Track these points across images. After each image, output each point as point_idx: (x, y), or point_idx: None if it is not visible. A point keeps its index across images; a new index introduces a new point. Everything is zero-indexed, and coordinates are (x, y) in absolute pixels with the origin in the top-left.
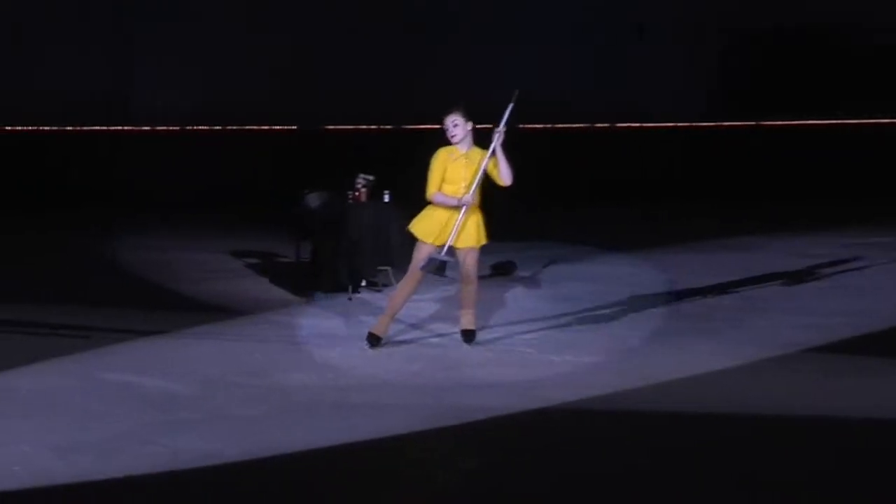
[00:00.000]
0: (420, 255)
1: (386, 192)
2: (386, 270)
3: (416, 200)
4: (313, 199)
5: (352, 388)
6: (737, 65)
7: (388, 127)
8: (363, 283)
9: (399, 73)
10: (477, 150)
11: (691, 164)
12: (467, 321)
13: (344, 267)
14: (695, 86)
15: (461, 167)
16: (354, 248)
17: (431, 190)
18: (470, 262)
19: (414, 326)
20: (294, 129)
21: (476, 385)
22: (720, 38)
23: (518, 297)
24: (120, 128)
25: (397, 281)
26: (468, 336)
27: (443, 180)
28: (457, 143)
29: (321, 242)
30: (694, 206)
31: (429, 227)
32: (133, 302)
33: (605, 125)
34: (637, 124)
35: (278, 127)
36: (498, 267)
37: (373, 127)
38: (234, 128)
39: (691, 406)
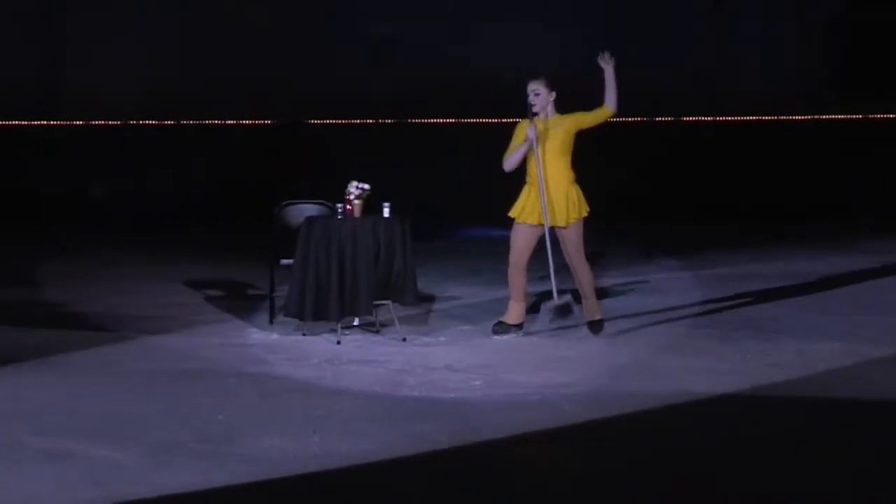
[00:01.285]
0: (516, 239)
1: (386, 204)
2: (386, 305)
3: (424, 215)
4: (293, 214)
5: (337, 454)
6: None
7: (389, 121)
8: (356, 322)
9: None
10: (559, 117)
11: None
12: (589, 310)
13: (332, 300)
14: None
15: (549, 140)
16: (345, 275)
17: (505, 161)
18: (568, 242)
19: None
20: (270, 125)
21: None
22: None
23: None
24: (47, 122)
25: (400, 319)
26: (594, 327)
27: (529, 154)
28: (536, 113)
29: (302, 269)
30: None
31: (519, 204)
32: (67, 346)
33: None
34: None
35: (249, 122)
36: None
37: (368, 121)
38: (191, 122)
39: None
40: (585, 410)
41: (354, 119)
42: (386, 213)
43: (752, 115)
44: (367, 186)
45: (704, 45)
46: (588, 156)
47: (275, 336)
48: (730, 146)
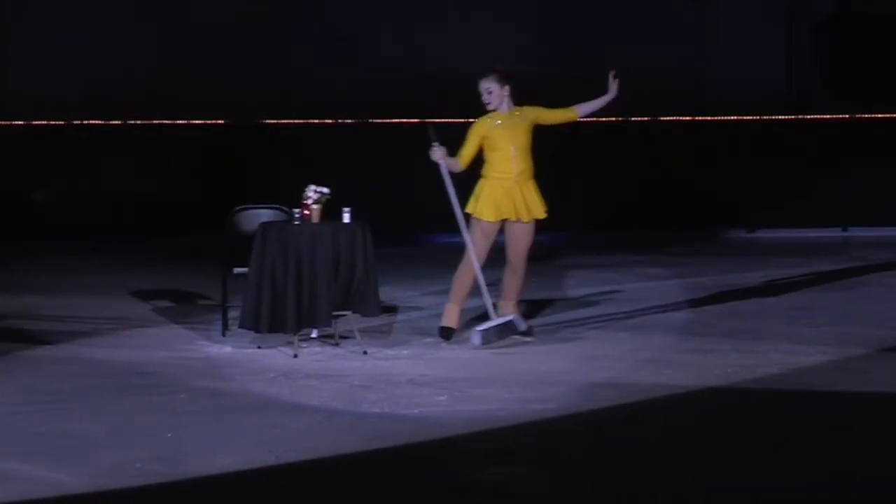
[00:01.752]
0: (477, 235)
1: (346, 209)
2: (346, 316)
3: (386, 220)
4: (248, 219)
5: (294, 474)
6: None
7: (349, 120)
8: (314, 334)
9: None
10: (519, 110)
11: None
12: (507, 312)
13: (289, 311)
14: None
15: (506, 130)
16: (303, 284)
17: (458, 160)
18: (522, 241)
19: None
20: (224, 125)
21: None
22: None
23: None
24: None
25: (361, 331)
26: (529, 332)
27: (489, 149)
28: (493, 110)
29: (256, 278)
30: None
31: (482, 199)
32: (4, 362)
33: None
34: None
35: (200, 121)
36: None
37: (327, 121)
38: (138, 123)
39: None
40: (554, 428)
41: (314, 119)
42: (346, 218)
43: (735, 115)
44: (326, 190)
45: (684, 43)
46: (561, 159)
47: (228, 349)
48: (709, 147)
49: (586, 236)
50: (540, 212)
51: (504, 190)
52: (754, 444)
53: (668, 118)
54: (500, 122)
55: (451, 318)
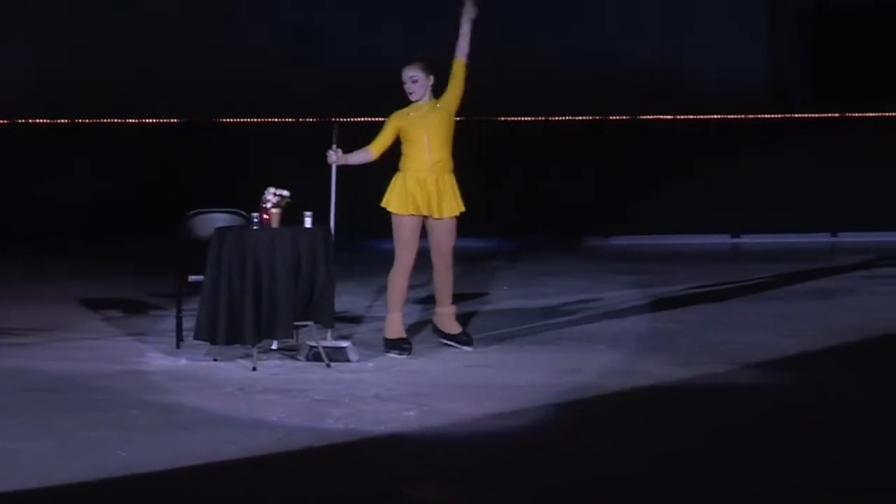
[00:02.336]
0: (401, 232)
1: (307, 213)
2: (307, 326)
3: (349, 225)
4: (203, 224)
5: (251, 496)
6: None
7: (311, 119)
8: (273, 346)
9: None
10: (436, 101)
11: None
12: (451, 322)
13: (247, 321)
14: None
15: (424, 121)
16: (262, 293)
17: (371, 148)
18: (447, 238)
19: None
20: (176, 124)
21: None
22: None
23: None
24: None
25: (323, 340)
26: (465, 339)
27: (405, 141)
28: (415, 101)
29: (213, 286)
30: None
31: (400, 194)
32: None
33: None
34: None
35: (152, 120)
36: None
37: (287, 119)
38: (87, 121)
39: None
40: (527, 446)
41: (272, 117)
42: (308, 222)
43: (715, 114)
44: (286, 193)
45: (660, 35)
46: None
47: (182, 362)
48: (686, 147)
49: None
50: (456, 208)
51: (418, 182)
52: (722, 446)
53: (647, 117)
54: (418, 113)
55: (396, 329)
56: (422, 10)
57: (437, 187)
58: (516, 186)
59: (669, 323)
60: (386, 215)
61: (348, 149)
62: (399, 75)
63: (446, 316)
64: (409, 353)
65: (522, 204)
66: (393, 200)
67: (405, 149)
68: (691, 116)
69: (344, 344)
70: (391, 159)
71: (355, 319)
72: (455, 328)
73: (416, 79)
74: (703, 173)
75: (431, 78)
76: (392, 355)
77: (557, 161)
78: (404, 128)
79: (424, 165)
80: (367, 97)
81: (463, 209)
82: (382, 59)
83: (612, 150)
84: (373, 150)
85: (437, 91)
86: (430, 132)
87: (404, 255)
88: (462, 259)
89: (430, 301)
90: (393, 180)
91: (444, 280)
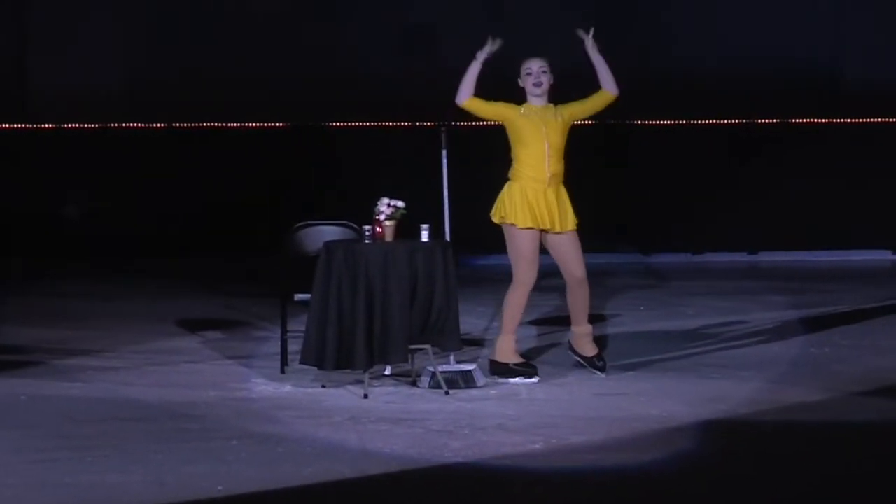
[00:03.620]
0: (522, 247)
1: (424, 226)
2: (425, 350)
3: (468, 238)
4: (310, 238)
5: None
6: None
7: (428, 123)
8: (386, 371)
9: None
10: (552, 107)
11: None
12: (587, 343)
13: (358, 344)
14: None
15: (540, 123)
16: (374, 313)
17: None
18: (573, 251)
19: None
20: (282, 128)
21: None
22: None
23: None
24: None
25: (444, 365)
26: (595, 362)
27: (519, 144)
28: (538, 96)
29: (321, 305)
30: None
31: (516, 206)
32: (30, 400)
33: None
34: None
35: (254, 124)
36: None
37: (403, 123)
38: (182, 125)
39: None
40: (659, 483)
41: (384, 121)
42: (424, 237)
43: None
44: (401, 204)
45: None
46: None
47: (287, 388)
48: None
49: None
50: (574, 220)
51: (537, 193)
52: (876, 485)
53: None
54: (537, 114)
55: (509, 353)
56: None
57: (556, 198)
58: (653, 198)
59: (822, 347)
60: (495, 229)
61: (460, 158)
62: (517, 68)
63: (581, 336)
64: (535, 376)
65: (656, 217)
66: (511, 212)
67: (520, 153)
68: (847, 119)
69: (469, 367)
70: (499, 168)
71: (476, 342)
72: (591, 350)
73: (545, 69)
74: (865, 182)
75: (552, 78)
76: (515, 381)
77: (696, 169)
78: (519, 126)
79: (543, 175)
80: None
81: (575, 223)
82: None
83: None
84: (468, 95)
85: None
86: (550, 140)
87: (526, 272)
88: (595, 276)
89: (543, 323)
90: (506, 190)
91: (577, 297)
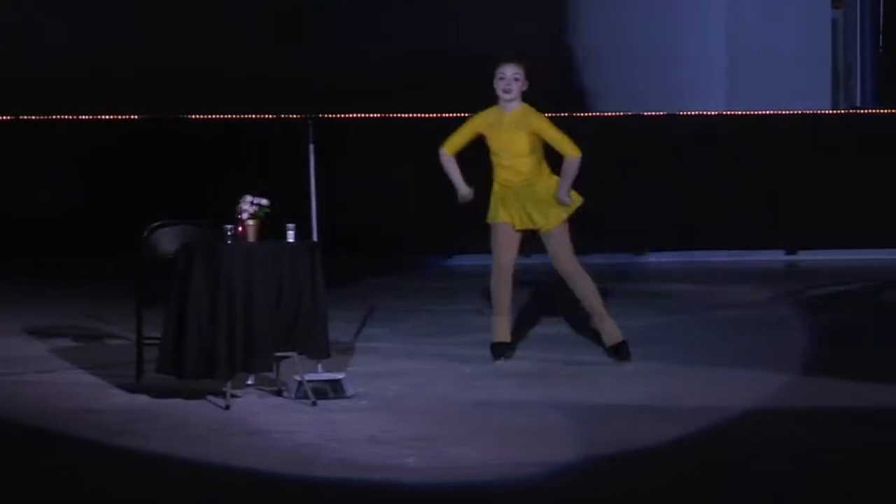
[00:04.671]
0: (493, 236)
1: (290, 225)
2: (291, 357)
3: (340, 238)
4: (167, 238)
5: None
6: None
7: (294, 115)
8: (250, 381)
9: None
10: (522, 111)
11: None
12: (608, 333)
13: (219, 351)
14: None
15: (508, 132)
16: (237, 319)
17: (445, 147)
18: (557, 250)
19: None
20: (136, 120)
21: None
22: None
23: None
24: None
25: (312, 373)
26: (619, 352)
27: (490, 149)
28: (507, 101)
29: (178, 311)
30: None
31: (493, 206)
32: None
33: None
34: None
35: (107, 116)
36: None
37: (268, 116)
38: (30, 118)
39: None
40: (544, 498)
41: (249, 114)
42: (291, 237)
43: None
44: (265, 202)
45: None
46: None
47: (144, 399)
48: None
49: None
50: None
51: (506, 195)
52: None
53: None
54: (503, 120)
55: (501, 332)
56: None
57: (530, 198)
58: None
59: None
60: (364, 228)
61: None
62: (487, 69)
63: (604, 323)
64: (496, 359)
65: None
66: (490, 210)
67: (493, 158)
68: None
69: (339, 376)
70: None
71: (346, 349)
72: (607, 339)
73: (518, 76)
74: None
75: (526, 83)
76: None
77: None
78: (489, 135)
79: (513, 178)
80: (352, 94)
81: (559, 221)
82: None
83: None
84: (447, 151)
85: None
86: (517, 147)
87: (496, 258)
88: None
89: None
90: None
91: (577, 289)
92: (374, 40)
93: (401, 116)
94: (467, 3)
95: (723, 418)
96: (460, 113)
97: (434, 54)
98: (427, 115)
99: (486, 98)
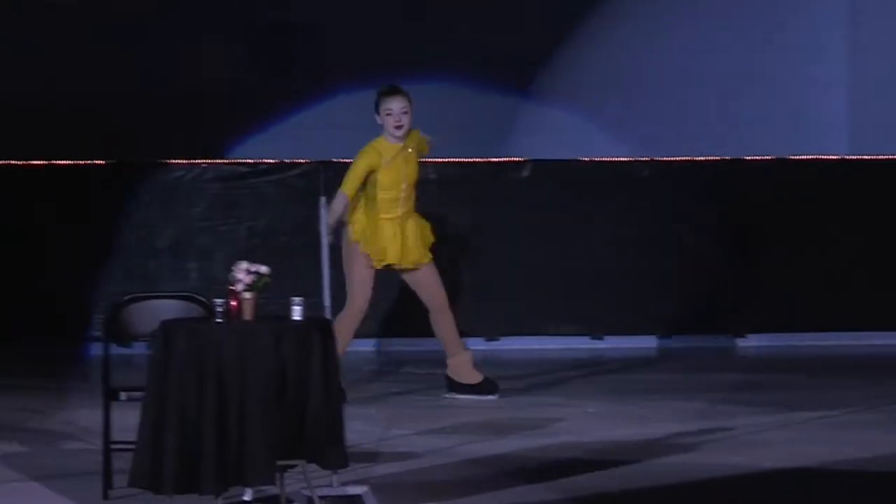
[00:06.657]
0: (355, 273)
1: (296, 299)
2: (298, 467)
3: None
4: (142, 315)
5: None
6: None
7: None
8: (246, 497)
9: None
10: (412, 137)
11: None
12: (469, 371)
13: (207, 460)
14: None
15: (401, 165)
16: (229, 419)
17: (345, 189)
18: (426, 283)
19: None
20: (89, 166)
21: None
22: None
23: None
24: None
25: (325, 487)
26: (483, 388)
27: (376, 187)
28: (399, 137)
29: (157, 408)
30: None
31: (380, 245)
32: None
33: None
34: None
35: (58, 161)
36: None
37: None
38: None
39: None
40: None
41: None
42: (297, 314)
43: None
44: (263, 269)
45: None
46: None
47: None
48: None
49: None
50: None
51: (392, 231)
52: None
53: None
54: (399, 152)
55: (473, 374)
56: None
57: (411, 232)
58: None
59: None
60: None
61: None
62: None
63: (460, 366)
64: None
65: None
66: (370, 245)
67: (377, 194)
68: None
69: (358, 490)
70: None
71: (368, 456)
72: (475, 377)
73: (406, 110)
74: None
75: (412, 117)
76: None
77: None
78: (381, 173)
79: (397, 214)
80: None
81: (429, 256)
82: None
83: None
84: (348, 195)
85: None
86: (409, 179)
87: (360, 302)
88: None
89: None
90: (371, 220)
91: (440, 327)
92: None
93: None
94: None
95: None
96: None
97: None
98: None
99: None
